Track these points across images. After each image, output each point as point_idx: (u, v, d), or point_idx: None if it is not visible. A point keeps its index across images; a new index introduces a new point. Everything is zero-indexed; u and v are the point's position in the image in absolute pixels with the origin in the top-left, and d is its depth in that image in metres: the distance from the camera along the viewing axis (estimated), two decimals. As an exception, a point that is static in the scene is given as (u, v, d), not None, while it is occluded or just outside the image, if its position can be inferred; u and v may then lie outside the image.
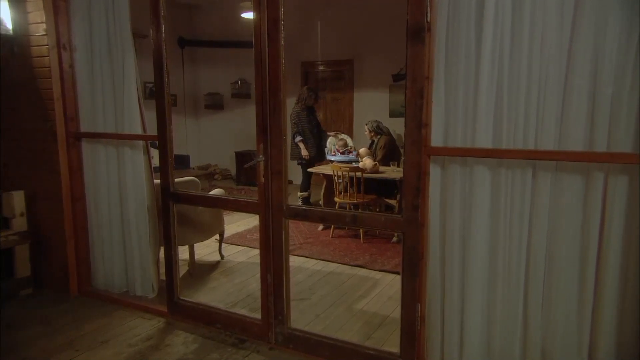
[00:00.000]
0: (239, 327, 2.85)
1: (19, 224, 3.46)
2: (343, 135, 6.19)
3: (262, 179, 2.58)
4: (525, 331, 2.16)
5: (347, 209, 5.01)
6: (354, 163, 5.23)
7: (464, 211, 2.20)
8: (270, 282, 2.66)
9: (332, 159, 5.67)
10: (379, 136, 5.61)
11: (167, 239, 2.99)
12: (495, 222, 2.15)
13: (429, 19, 2.07)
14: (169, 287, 3.05)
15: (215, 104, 9.08)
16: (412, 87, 2.14)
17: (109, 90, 3.21)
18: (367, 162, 4.89)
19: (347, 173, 4.77)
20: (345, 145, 5.86)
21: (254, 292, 3.41)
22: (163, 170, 2.94)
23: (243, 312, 3.06)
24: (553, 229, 2.06)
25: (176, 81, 8.72)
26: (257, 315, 2.79)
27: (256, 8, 2.44)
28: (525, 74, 2.00)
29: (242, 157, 8.30)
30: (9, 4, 3.31)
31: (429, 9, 2.06)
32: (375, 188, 5.07)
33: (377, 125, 5.61)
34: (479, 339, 2.24)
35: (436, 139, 2.18)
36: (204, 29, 8.72)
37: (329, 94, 7.99)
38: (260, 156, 2.57)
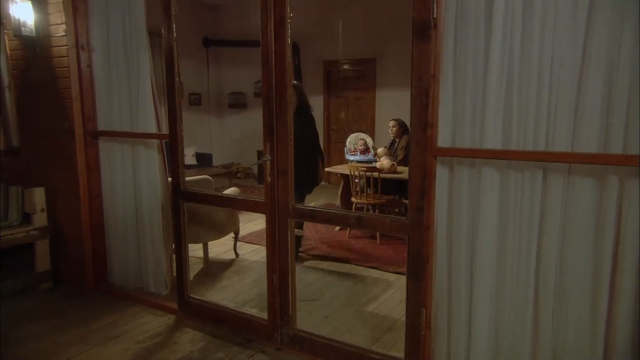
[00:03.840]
0: (246, 326, 2.85)
1: (40, 219, 3.56)
2: (363, 135, 6.13)
3: (269, 179, 2.57)
4: (535, 339, 2.07)
5: (365, 210, 4.97)
6: (373, 163, 5.17)
7: (471, 214, 2.12)
8: (276, 283, 2.64)
9: (351, 159, 5.62)
10: (401, 136, 5.52)
11: (178, 237, 3.02)
12: (503, 226, 2.07)
13: (435, 16, 2.01)
14: (179, 284, 3.08)
15: (238, 103, 9.17)
16: (417, 86, 2.08)
17: (125, 89, 3.27)
18: (384, 162, 4.82)
19: (364, 173, 4.72)
20: (365, 144, 5.81)
21: (265, 292, 3.39)
22: (174, 169, 2.97)
23: (251, 311, 3.06)
24: (565, 234, 1.96)
25: (201, 81, 8.86)
26: (265, 316, 2.78)
27: (263, 7, 2.42)
28: (536, 72, 1.91)
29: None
30: (32, 6, 3.41)
31: (435, 5, 2.00)
32: (394, 189, 4.99)
33: (403, 121, 5.49)
34: (486, 346, 2.16)
35: (443, 140, 2.11)
36: (229, 29, 8.82)
37: (351, 93, 7.93)
38: (267, 156, 2.55)
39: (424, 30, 2.03)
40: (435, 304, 2.26)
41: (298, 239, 4.29)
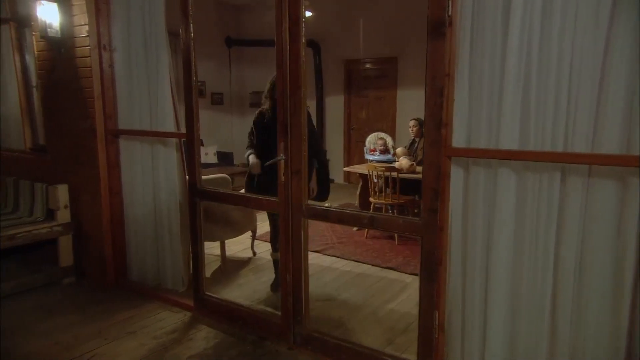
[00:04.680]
0: (259, 325, 2.86)
1: (63, 216, 3.66)
2: (383, 134, 6.08)
3: (283, 178, 2.57)
4: (552, 345, 2.01)
5: (383, 210, 4.93)
6: (394, 163, 5.12)
7: (487, 216, 2.07)
8: (289, 282, 2.64)
9: (370, 158, 5.59)
10: (421, 136, 5.46)
11: (194, 235, 3.05)
12: (520, 229, 2.01)
13: (450, 13, 1.97)
14: (195, 282, 3.12)
15: (260, 102, 9.19)
16: (431, 85, 2.04)
17: (145, 88, 3.33)
18: (403, 162, 4.77)
19: (382, 173, 4.68)
20: (384, 144, 5.76)
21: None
22: (190, 167, 3.00)
23: (265, 310, 3.07)
24: (584, 237, 1.90)
25: (223, 80, 8.95)
26: (279, 314, 2.78)
27: (277, 5, 2.42)
28: (554, 70, 1.85)
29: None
30: (58, 8, 3.50)
31: (450, 2, 1.96)
32: (413, 189, 4.93)
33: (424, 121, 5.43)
34: (501, 351, 2.11)
35: (458, 140, 2.07)
36: (251, 28, 8.88)
37: (372, 93, 7.88)
38: (281, 155, 2.55)
39: (439, 28, 1.99)
40: (449, 307, 2.22)
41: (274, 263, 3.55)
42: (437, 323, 2.20)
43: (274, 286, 3.52)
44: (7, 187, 4.06)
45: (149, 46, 3.25)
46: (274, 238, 3.47)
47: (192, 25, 2.84)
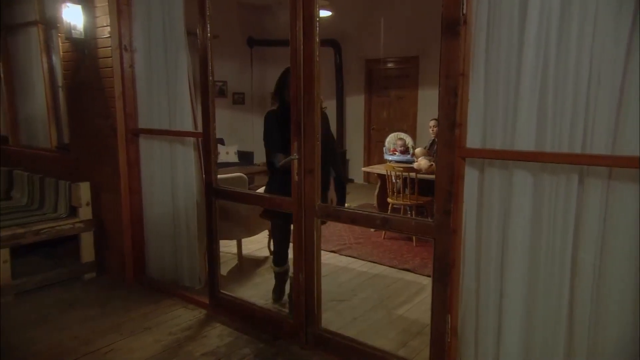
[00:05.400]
0: (273, 324, 2.87)
1: (85, 213, 3.75)
2: (403, 134, 6.03)
3: (296, 177, 2.56)
4: (570, 351, 1.94)
5: (402, 211, 4.88)
6: (414, 164, 5.06)
7: (502, 219, 2.03)
8: (302, 282, 2.64)
9: (389, 159, 5.54)
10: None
11: (210, 234, 3.08)
12: (536, 232, 1.96)
13: (464, 11, 1.93)
14: (210, 280, 3.15)
15: (280, 101, 9.24)
16: (445, 84, 2.01)
17: (164, 88, 3.37)
18: (422, 162, 4.71)
19: (400, 173, 4.63)
20: (404, 144, 5.70)
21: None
22: (206, 167, 3.03)
23: (279, 310, 3.08)
24: (604, 242, 1.83)
25: (245, 80, 9.02)
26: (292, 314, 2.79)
27: (292, 4, 2.42)
28: (573, 68, 1.79)
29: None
30: (82, 10, 3.59)
31: (465, 0, 1.92)
32: (433, 190, 4.85)
33: None
34: (516, 357, 2.05)
35: (472, 140, 2.03)
36: (273, 28, 8.92)
37: (393, 92, 7.82)
38: (295, 154, 2.55)
39: (453, 26, 1.95)
40: (462, 311, 2.18)
41: (282, 278, 3.37)
42: (449, 327, 2.16)
43: (276, 295, 3.36)
44: (34, 184, 4.19)
45: (168, 46, 3.30)
46: (278, 251, 3.31)
47: (209, 25, 2.87)
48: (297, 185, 2.57)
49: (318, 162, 2.49)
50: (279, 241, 3.35)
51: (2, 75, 4.95)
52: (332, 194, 3.10)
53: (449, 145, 2.03)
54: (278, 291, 3.38)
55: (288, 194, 2.64)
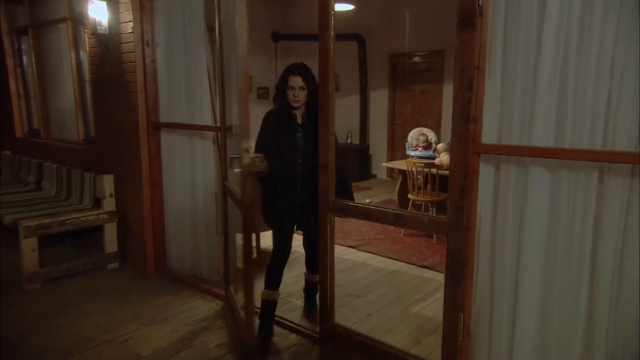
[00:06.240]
0: (287, 316, 2.88)
1: (108, 204, 3.85)
2: (425, 130, 5.93)
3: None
4: (587, 353, 1.88)
5: (423, 207, 4.81)
6: (436, 160, 4.99)
7: (518, 216, 1.97)
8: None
9: (412, 154, 5.47)
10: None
11: (225, 228, 3.11)
12: (553, 231, 1.90)
13: (481, 3, 1.88)
14: (225, 273, 3.18)
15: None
16: (460, 78, 1.96)
17: (184, 82, 3.42)
18: (444, 158, 4.63)
19: (421, 169, 4.57)
20: (426, 140, 5.62)
21: (310, 285, 3.42)
22: (222, 161, 3.06)
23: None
24: (624, 242, 1.76)
25: (269, 75, 9.06)
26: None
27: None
28: (595, 61, 1.72)
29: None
30: (107, 6, 3.67)
31: (481, -9, 1.86)
32: (454, 186, 4.78)
33: None
34: (531, 358, 2.00)
35: (488, 136, 1.98)
36: (297, 23, 8.91)
37: (417, 87, 7.70)
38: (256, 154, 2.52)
39: (469, 18, 1.90)
40: (476, 311, 2.13)
41: (270, 309, 2.81)
42: (461, 326, 2.12)
43: (307, 311, 3.03)
44: (62, 176, 4.33)
45: (188, 41, 3.34)
46: (309, 259, 3.00)
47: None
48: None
49: (332, 158, 2.48)
50: (283, 253, 2.78)
51: (34, 71, 5.13)
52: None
53: (463, 140, 1.98)
54: (263, 334, 2.70)
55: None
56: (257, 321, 2.72)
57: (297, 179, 2.63)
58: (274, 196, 2.69)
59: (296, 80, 2.54)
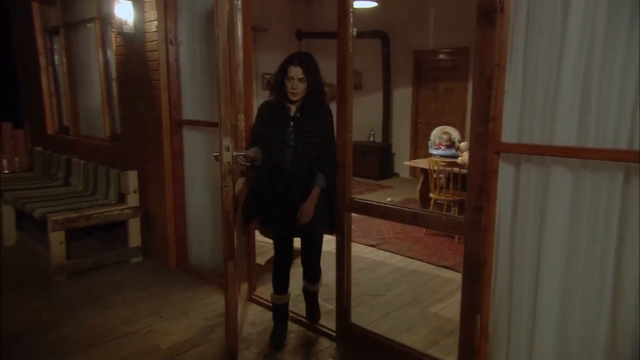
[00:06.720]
0: (304, 314, 2.89)
1: (132, 200, 3.93)
2: (449, 128, 5.85)
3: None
4: (609, 357, 1.83)
5: (444, 207, 4.75)
6: (458, 158, 4.91)
7: (539, 217, 1.92)
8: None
9: (434, 153, 5.40)
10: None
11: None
12: (575, 232, 1.84)
13: (501, -1, 1.83)
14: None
15: (328, 94, 9.24)
16: (479, 76, 1.92)
17: (207, 79, 3.46)
18: (466, 157, 4.55)
19: (443, 168, 4.51)
20: (449, 139, 5.54)
21: (328, 283, 3.41)
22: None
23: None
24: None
25: (292, 73, 9.10)
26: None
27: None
28: (621, 59, 1.66)
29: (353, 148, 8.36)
30: (132, 6, 3.74)
31: (502, -14, 1.82)
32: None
33: None
34: (550, 362, 1.96)
35: (508, 135, 1.94)
36: (320, 20, 8.91)
37: (441, 84, 7.60)
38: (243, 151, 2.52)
39: (489, 14, 1.87)
40: (495, 312, 2.09)
41: (283, 312, 2.76)
42: (479, 327, 2.08)
43: (310, 316, 2.83)
44: (89, 172, 4.45)
45: (211, 39, 3.37)
46: (305, 267, 2.74)
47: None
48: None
49: (350, 156, 2.47)
50: (281, 259, 2.67)
51: (65, 69, 5.28)
52: (305, 206, 2.41)
53: (482, 139, 1.95)
54: (278, 335, 2.66)
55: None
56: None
57: (282, 177, 2.42)
58: (255, 195, 2.55)
59: (296, 71, 2.31)
